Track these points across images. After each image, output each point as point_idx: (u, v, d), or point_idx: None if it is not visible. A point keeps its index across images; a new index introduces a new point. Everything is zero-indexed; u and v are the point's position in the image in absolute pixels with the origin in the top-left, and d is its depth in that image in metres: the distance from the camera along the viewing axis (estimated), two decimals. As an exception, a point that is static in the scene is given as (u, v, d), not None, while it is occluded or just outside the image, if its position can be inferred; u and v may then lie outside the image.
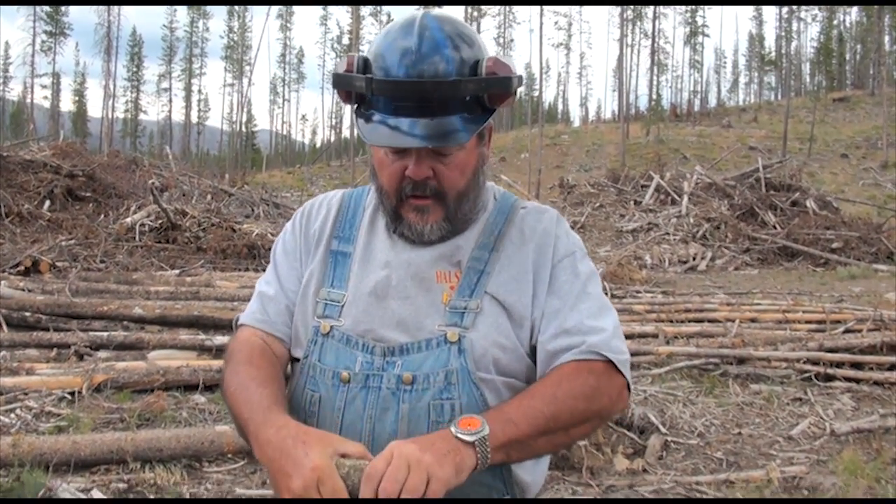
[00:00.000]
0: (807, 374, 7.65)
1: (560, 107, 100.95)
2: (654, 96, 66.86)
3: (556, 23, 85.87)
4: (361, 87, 1.63)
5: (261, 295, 1.88)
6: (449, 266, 1.74)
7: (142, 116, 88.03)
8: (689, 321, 10.04)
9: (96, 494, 4.50)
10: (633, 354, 7.93)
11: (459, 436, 1.47)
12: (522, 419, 1.54)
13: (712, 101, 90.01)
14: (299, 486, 1.40)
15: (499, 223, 1.80)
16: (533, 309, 1.71)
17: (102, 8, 66.75)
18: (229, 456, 5.16)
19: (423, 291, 1.72)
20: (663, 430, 5.85)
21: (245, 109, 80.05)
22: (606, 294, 11.15)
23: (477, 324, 1.68)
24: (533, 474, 1.73)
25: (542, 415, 1.55)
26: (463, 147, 1.68)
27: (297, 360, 1.79)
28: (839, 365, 7.83)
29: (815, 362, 7.82)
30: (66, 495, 4.38)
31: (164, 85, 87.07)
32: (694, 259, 18.92)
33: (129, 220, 15.51)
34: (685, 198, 24.14)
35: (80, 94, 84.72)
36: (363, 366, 1.69)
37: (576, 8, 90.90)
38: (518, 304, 1.71)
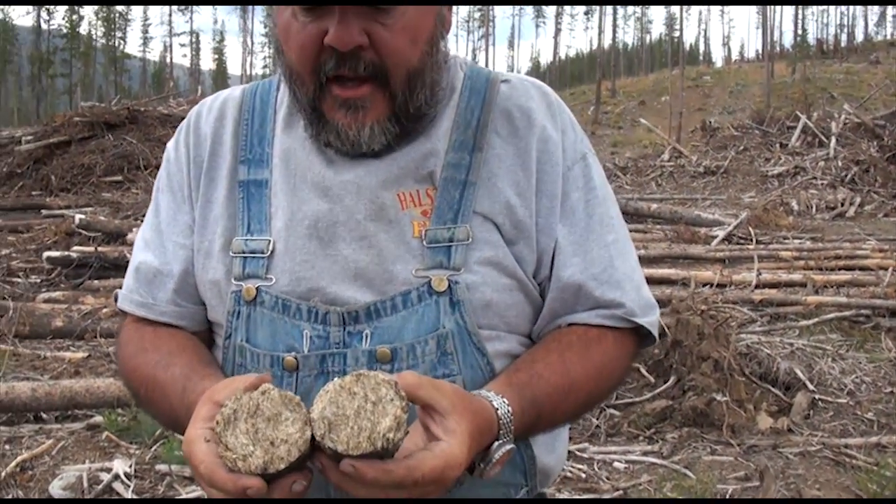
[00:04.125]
0: (971, 328, 7.10)
1: (701, 47, 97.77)
2: (800, 32, 63.78)
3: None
4: None
5: (139, 267, 1.37)
6: (415, 183, 1.26)
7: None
8: (839, 269, 9.49)
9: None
10: (779, 304, 7.60)
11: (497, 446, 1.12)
12: (546, 399, 1.20)
13: (859, 36, 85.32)
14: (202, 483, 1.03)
15: (475, 109, 1.30)
16: (539, 233, 1.27)
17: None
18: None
19: (383, 225, 1.24)
20: (810, 386, 5.53)
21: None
22: (751, 241, 10.73)
23: (470, 260, 1.23)
24: (555, 451, 1.38)
25: (563, 390, 1.23)
26: None
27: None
28: None
29: (981, 314, 7.25)
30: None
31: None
32: (842, 205, 17.95)
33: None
34: (833, 139, 22.92)
35: (219, 51, 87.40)
36: (315, 343, 1.22)
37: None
38: (521, 224, 1.26)
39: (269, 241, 1.27)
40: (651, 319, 1.34)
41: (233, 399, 1.01)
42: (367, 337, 1.22)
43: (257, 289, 1.26)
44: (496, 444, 1.12)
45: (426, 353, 1.21)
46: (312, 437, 1.00)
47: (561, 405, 1.23)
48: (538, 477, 1.34)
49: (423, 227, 1.24)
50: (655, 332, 1.35)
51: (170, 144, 1.43)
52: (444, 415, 1.04)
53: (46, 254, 9.36)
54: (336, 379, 1.02)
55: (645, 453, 4.62)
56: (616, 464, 4.49)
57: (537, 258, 1.28)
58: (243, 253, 1.28)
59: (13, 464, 4.23)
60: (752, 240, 10.91)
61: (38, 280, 9.19)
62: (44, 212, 13.67)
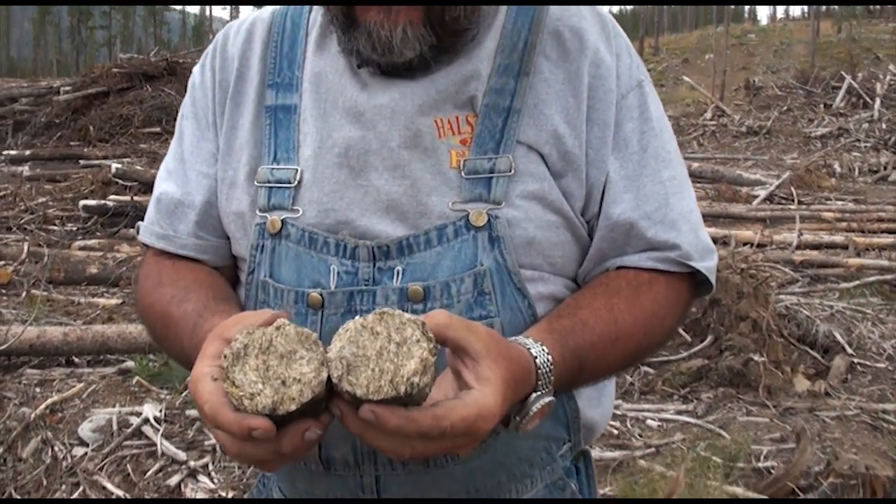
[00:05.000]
0: None
1: (746, 5, 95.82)
2: (848, -9, 62.29)
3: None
4: None
5: (160, 198, 1.31)
6: (454, 108, 1.16)
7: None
8: (882, 232, 9.28)
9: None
10: (819, 266, 7.45)
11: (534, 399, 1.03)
12: (590, 349, 1.11)
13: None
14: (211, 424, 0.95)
15: (522, 30, 1.19)
16: (588, 166, 1.17)
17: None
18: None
19: (419, 154, 1.15)
20: (849, 350, 5.41)
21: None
22: (792, 201, 10.53)
23: (512, 194, 1.13)
24: (600, 405, 1.29)
25: (609, 339, 1.13)
26: None
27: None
28: None
29: None
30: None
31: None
32: (885, 168, 17.61)
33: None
34: (877, 101, 22.44)
35: (258, 4, 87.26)
36: (342, 279, 1.15)
37: None
38: (569, 155, 1.16)
39: (297, 170, 1.19)
40: (708, 264, 1.23)
41: (244, 333, 0.93)
42: (398, 274, 1.13)
43: (283, 221, 1.18)
44: (534, 395, 1.03)
45: (461, 293, 1.12)
46: (330, 379, 0.92)
47: (606, 356, 1.14)
48: (582, 432, 1.26)
49: (462, 156, 1.15)
50: (713, 279, 1.24)
51: (195, 69, 1.35)
52: (476, 359, 0.95)
53: (83, 202, 9.44)
54: (358, 317, 0.93)
55: (679, 412, 4.56)
56: (649, 421, 4.43)
57: (586, 193, 1.18)
58: (269, 183, 1.20)
59: (43, 406, 4.25)
60: (793, 200, 10.72)
61: (74, 228, 9.26)
62: (81, 162, 13.77)
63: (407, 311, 0.98)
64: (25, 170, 13.00)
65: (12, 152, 14.69)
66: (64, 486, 3.80)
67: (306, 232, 1.17)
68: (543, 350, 1.04)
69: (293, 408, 0.89)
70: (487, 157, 1.14)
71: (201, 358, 0.97)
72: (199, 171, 1.28)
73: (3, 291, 6.76)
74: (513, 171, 1.14)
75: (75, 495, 3.72)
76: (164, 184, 1.32)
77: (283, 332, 0.93)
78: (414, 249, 1.13)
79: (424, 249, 1.13)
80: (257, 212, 1.21)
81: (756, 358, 4.83)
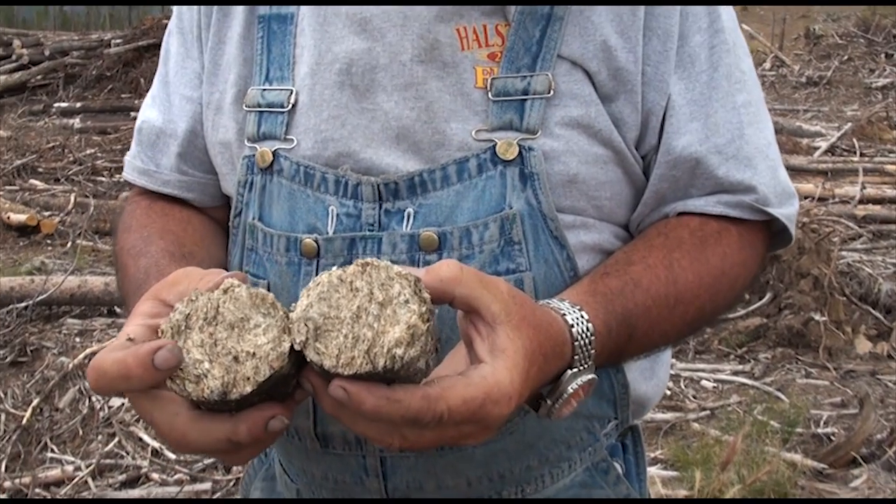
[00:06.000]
0: None
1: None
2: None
3: None
4: None
5: (142, 127, 1.14)
6: (481, 15, 0.95)
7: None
8: (950, 186, 8.93)
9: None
10: (882, 222, 7.17)
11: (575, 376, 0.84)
12: (642, 315, 0.91)
13: None
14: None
15: None
16: (645, 87, 0.96)
17: None
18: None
19: (436, 70, 0.95)
20: (915, 310, 5.19)
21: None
22: (854, 154, 10.16)
23: (551, 121, 0.93)
24: (654, 376, 1.09)
25: (667, 303, 0.94)
26: None
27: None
28: None
29: None
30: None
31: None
32: (949, 120, 17.02)
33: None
34: (945, 50, 21.70)
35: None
36: (342, 222, 0.96)
37: None
38: (622, 73, 0.95)
39: (291, 91, 1.00)
40: (789, 211, 1.03)
41: (185, 301, 0.75)
42: (408, 217, 0.95)
43: (274, 153, 1.00)
44: (569, 373, 0.84)
45: (485, 241, 0.93)
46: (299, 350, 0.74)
47: (662, 323, 0.94)
48: (631, 408, 1.06)
49: (490, 74, 0.95)
50: (793, 229, 1.04)
51: None
52: (492, 325, 0.75)
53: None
54: (334, 269, 0.74)
55: (735, 373, 4.44)
56: (704, 382, 4.32)
57: (642, 121, 0.97)
58: (259, 107, 1.02)
59: (82, 355, 4.24)
60: (855, 152, 10.34)
61: (122, 180, 9.24)
62: (132, 114, 13.76)
63: (419, 263, 0.80)
64: (76, 122, 13.04)
65: (63, 105, 14.75)
66: (100, 437, 3.77)
67: (301, 166, 0.98)
68: (582, 317, 0.85)
69: (248, 389, 0.72)
70: (521, 76, 0.94)
71: (128, 322, 0.79)
72: (183, 95, 1.11)
73: (49, 242, 6.77)
74: (552, 93, 0.93)
75: (110, 446, 3.69)
76: (147, 110, 1.15)
77: (233, 295, 0.75)
78: (428, 188, 0.94)
79: (441, 188, 0.94)
80: (245, 142, 1.03)
81: (816, 317, 4.70)
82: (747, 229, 1.02)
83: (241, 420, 0.74)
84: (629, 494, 1.08)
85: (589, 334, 0.84)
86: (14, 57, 15.02)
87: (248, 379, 0.72)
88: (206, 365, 0.72)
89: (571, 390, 0.84)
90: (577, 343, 0.84)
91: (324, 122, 0.98)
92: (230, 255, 1.08)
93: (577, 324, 0.84)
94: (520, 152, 0.93)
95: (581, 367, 0.84)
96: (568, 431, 1.01)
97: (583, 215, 0.97)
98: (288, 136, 0.99)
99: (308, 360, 0.73)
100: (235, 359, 0.73)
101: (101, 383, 0.73)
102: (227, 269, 1.04)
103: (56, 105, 14.87)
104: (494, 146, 0.93)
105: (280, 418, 0.75)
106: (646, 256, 0.96)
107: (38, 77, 14.93)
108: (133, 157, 1.16)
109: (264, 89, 1.02)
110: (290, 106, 1.00)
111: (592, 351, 0.85)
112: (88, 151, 10.59)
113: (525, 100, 0.93)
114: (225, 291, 0.75)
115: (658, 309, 0.93)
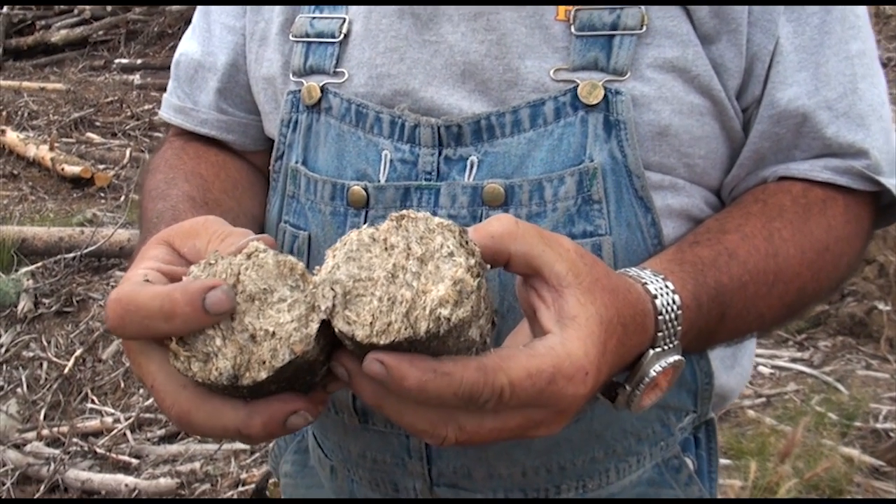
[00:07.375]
0: None
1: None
2: None
3: None
4: None
5: (180, 61, 1.04)
6: None
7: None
8: None
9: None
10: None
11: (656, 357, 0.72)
12: (737, 291, 0.79)
13: None
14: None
15: None
16: (751, 27, 0.83)
17: None
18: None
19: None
20: (984, 303, 5.00)
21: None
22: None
23: (642, 61, 0.82)
24: (737, 365, 0.98)
25: (765, 278, 0.81)
26: None
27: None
28: None
29: None
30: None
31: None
32: None
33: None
34: None
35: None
36: (396, 169, 0.86)
37: None
38: (726, 11, 0.82)
39: (344, 19, 0.90)
40: None
41: (202, 265, 0.64)
42: (471, 166, 0.83)
43: (322, 88, 0.90)
44: (651, 352, 0.71)
45: (559, 198, 0.81)
46: (331, 331, 0.61)
47: (758, 302, 0.82)
48: (713, 400, 0.95)
49: (574, 4, 0.82)
50: None
51: None
52: (557, 287, 0.63)
53: (187, 110, 9.42)
54: (364, 226, 0.63)
55: (793, 360, 4.30)
56: (761, 368, 4.18)
57: (746, 67, 0.84)
58: (307, 37, 0.92)
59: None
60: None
61: (177, 134, 9.28)
62: (191, 71, 13.84)
63: (481, 220, 0.68)
64: (136, 78, 13.11)
65: (124, 61, 14.84)
66: (141, 391, 3.76)
67: (353, 104, 0.88)
68: (668, 287, 0.72)
69: (263, 375, 0.61)
70: (609, 8, 0.82)
71: (135, 266, 0.69)
72: (225, 24, 1.00)
73: (102, 195, 6.79)
74: (644, 29, 0.81)
75: (151, 400, 3.66)
76: (186, 43, 1.06)
77: (257, 262, 0.64)
78: (496, 133, 0.83)
79: (511, 134, 0.83)
80: (291, 76, 0.93)
81: (881, 306, 4.53)
82: (855, 200, 0.89)
83: (256, 411, 0.63)
84: (701, 496, 0.96)
85: (675, 307, 0.72)
86: (76, 12, 15.11)
87: (265, 363, 0.61)
88: (218, 342, 0.62)
89: (655, 373, 0.71)
90: (661, 317, 0.71)
91: (379, 56, 0.87)
92: (269, 202, 0.99)
93: (662, 294, 0.72)
94: (605, 96, 0.81)
95: (666, 347, 0.72)
96: (640, 422, 0.90)
97: (672, 174, 0.86)
98: (338, 70, 0.89)
99: (336, 331, 0.61)
100: (252, 337, 0.62)
101: (127, 320, 0.62)
102: (262, 221, 0.94)
103: (117, 61, 14.98)
104: (576, 88, 0.82)
105: (303, 414, 0.64)
106: (742, 225, 0.83)
107: (100, 32, 14.98)
108: (170, 94, 1.07)
109: (314, 17, 0.92)
110: (343, 36, 0.89)
111: (679, 328, 0.72)
112: (146, 107, 10.62)
113: (613, 35, 0.81)
114: (248, 256, 0.64)
115: (755, 286, 0.81)
